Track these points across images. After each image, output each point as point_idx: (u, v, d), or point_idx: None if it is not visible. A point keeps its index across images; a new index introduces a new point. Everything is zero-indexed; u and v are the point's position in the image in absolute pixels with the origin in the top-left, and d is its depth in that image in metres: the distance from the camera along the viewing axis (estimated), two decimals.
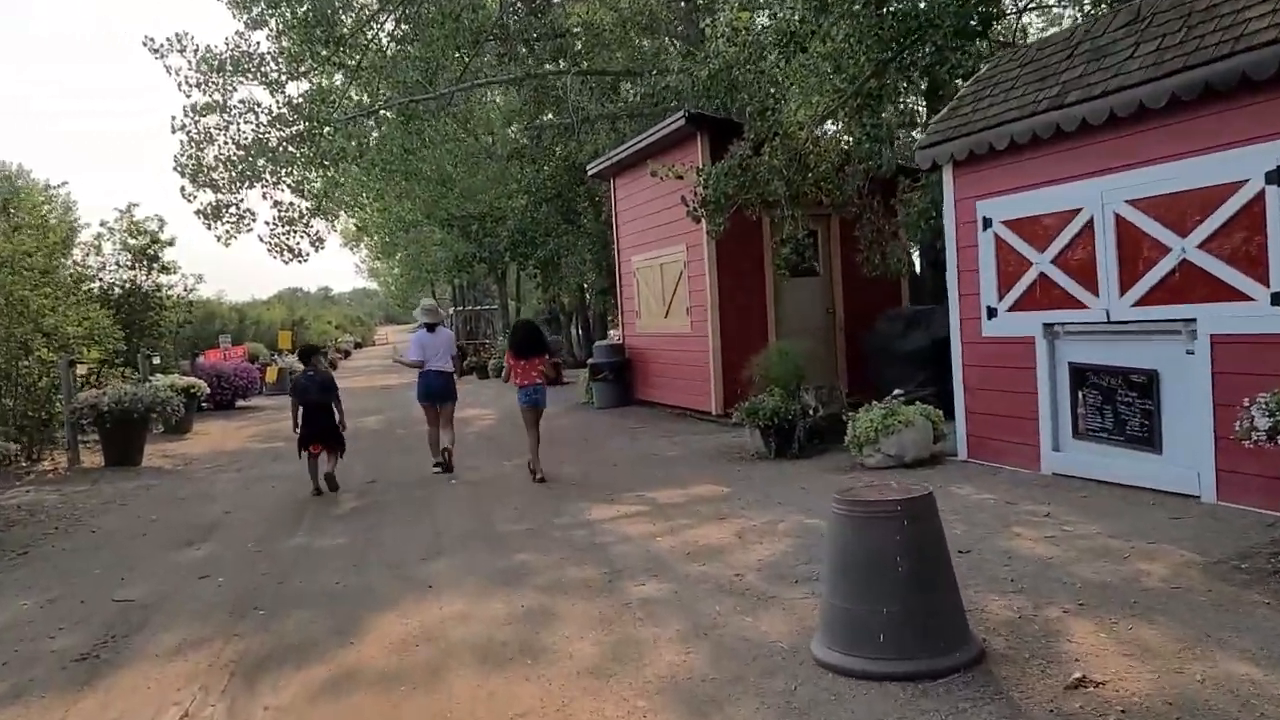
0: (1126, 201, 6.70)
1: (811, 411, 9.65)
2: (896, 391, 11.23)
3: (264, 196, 18.41)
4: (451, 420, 10.32)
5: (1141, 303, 6.67)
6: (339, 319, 69.33)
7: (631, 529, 7.05)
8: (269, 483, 10.45)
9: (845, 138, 10.61)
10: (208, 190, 17.93)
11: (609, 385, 15.36)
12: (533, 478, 9.18)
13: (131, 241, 18.87)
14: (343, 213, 26.47)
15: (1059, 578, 5.07)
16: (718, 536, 6.58)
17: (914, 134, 13.10)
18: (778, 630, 4.64)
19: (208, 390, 16.43)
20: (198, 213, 18.35)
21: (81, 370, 12.49)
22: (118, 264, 18.69)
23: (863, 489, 4.30)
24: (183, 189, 17.92)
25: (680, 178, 10.94)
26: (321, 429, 9.33)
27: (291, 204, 19.18)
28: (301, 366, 9.50)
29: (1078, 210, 7.09)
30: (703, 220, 10.98)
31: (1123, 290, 6.79)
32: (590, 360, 15.99)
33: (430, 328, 10.19)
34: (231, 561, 6.96)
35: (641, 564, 6.05)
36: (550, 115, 21.45)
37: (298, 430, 9.40)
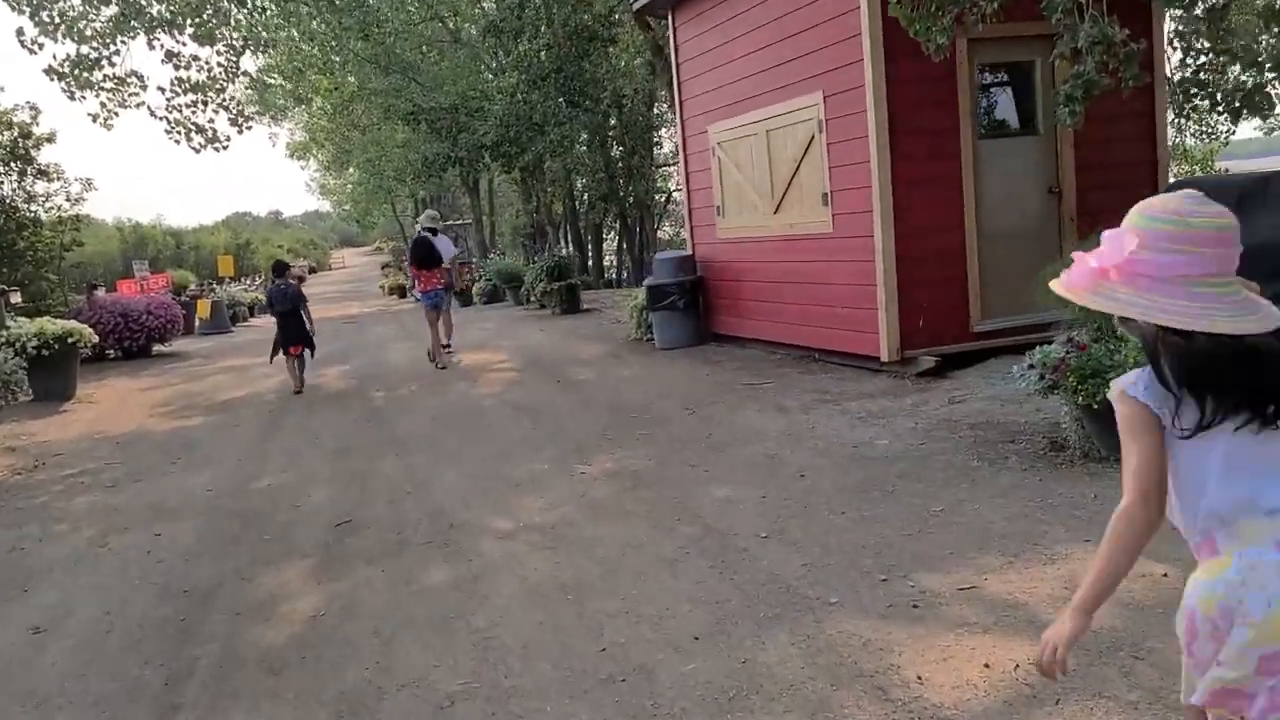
0: None
1: None
2: None
3: (151, 45, 12.74)
4: (447, 319, 11.46)
5: None
6: (290, 243, 64.12)
7: None
8: (152, 524, 5.66)
9: None
10: (64, 38, 12.39)
11: (677, 316, 10.57)
12: (435, 367, 10.73)
13: None
14: (268, 80, 20.63)
15: None
16: None
17: None
18: None
19: (94, 339, 11.42)
20: (49, 71, 12.81)
21: None
22: None
23: None
24: (20, 33, 12.24)
25: None
26: (297, 332, 10.09)
27: (195, 59, 13.63)
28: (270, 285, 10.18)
29: None
30: (912, 32, 6.18)
31: None
32: (649, 281, 11.08)
33: (432, 233, 11.44)
34: None
35: None
36: None
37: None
